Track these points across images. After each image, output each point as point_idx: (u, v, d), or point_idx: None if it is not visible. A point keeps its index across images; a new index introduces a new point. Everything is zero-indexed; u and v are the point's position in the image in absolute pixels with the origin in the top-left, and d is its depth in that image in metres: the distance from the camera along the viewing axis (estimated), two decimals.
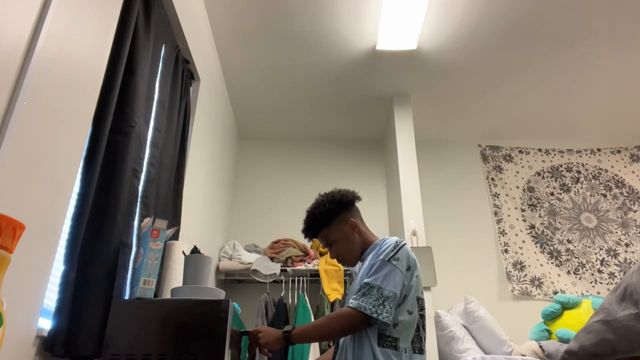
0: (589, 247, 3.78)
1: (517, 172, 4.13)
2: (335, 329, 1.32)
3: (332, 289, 2.99)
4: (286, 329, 1.35)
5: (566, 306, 2.93)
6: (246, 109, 3.84)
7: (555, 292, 3.54)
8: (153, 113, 1.97)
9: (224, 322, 1.31)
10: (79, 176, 1.42)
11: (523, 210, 3.95)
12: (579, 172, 4.13)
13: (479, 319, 2.88)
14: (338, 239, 1.51)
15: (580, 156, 4.20)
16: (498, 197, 4.02)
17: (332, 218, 1.52)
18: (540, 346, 2.60)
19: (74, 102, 1.38)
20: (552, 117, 3.97)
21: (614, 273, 3.66)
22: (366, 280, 1.34)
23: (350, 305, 1.31)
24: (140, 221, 1.71)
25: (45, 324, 1.29)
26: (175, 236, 1.98)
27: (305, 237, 1.58)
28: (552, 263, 3.72)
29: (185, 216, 2.26)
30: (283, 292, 3.23)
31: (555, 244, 3.79)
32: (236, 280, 3.48)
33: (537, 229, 3.86)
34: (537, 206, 3.97)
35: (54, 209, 1.29)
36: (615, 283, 3.43)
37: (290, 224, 3.69)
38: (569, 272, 3.68)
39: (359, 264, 1.55)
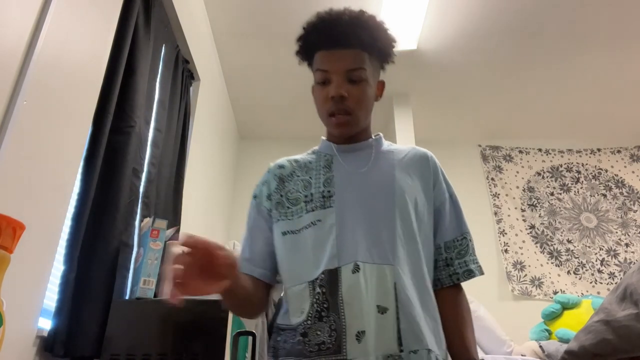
0: (589, 247, 3.78)
1: (517, 172, 4.13)
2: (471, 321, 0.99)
3: None
4: None
5: (566, 306, 2.93)
6: (246, 109, 3.84)
7: (555, 292, 3.54)
8: (153, 113, 1.97)
9: (224, 322, 1.31)
10: (79, 176, 1.42)
11: (523, 210, 3.95)
12: (579, 172, 4.13)
13: (479, 319, 2.88)
14: (369, 83, 0.98)
15: (580, 156, 4.20)
16: (498, 197, 4.02)
17: (388, 51, 1.03)
18: (540, 346, 2.60)
19: (74, 102, 1.38)
20: (552, 117, 3.97)
21: (614, 273, 3.66)
22: (466, 228, 1.04)
23: (476, 271, 0.99)
24: (141, 221, 1.71)
25: (45, 324, 1.29)
26: (175, 236, 1.98)
27: (335, 39, 0.97)
28: (552, 263, 3.72)
29: (185, 216, 2.26)
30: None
31: (555, 244, 3.79)
32: None
33: (537, 229, 3.86)
34: (537, 206, 3.97)
35: (54, 209, 1.29)
36: (615, 283, 3.43)
37: None
38: (569, 272, 3.68)
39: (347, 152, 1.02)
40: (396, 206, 0.92)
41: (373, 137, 1.06)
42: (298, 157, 1.07)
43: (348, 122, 0.97)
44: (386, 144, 1.07)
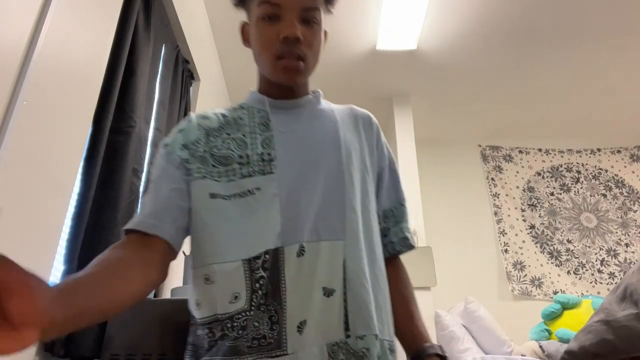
0: (589, 247, 3.78)
1: (517, 172, 4.13)
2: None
3: None
4: (431, 352, 0.78)
5: (566, 306, 2.93)
6: None
7: (555, 292, 3.54)
8: (153, 113, 1.97)
9: None
10: (79, 176, 1.42)
11: (523, 210, 3.95)
12: (579, 172, 4.13)
13: (479, 319, 2.88)
14: (321, 27, 0.87)
15: (580, 156, 4.20)
16: (498, 197, 4.02)
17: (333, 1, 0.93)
18: (540, 346, 2.60)
19: (74, 102, 1.38)
20: (552, 117, 3.97)
21: (614, 273, 3.66)
22: (403, 196, 0.94)
23: (411, 240, 0.91)
24: None
25: None
26: None
27: None
28: (552, 263, 3.72)
29: None
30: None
31: (555, 244, 3.79)
32: None
33: (537, 229, 3.86)
34: (537, 206, 3.97)
35: (54, 209, 1.29)
36: (615, 283, 3.43)
37: None
38: (569, 272, 3.68)
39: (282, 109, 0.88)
40: (345, 171, 0.81)
41: (312, 94, 0.93)
42: (224, 110, 0.90)
43: (299, 69, 0.82)
44: (324, 102, 0.95)
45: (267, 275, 0.71)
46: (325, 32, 0.91)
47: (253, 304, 0.70)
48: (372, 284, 0.76)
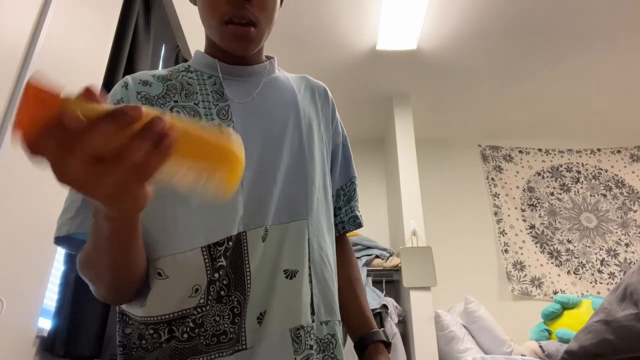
0: (589, 247, 3.78)
1: (517, 172, 4.13)
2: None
3: None
4: (376, 338, 0.77)
5: (566, 306, 2.93)
6: None
7: (555, 292, 3.54)
8: None
9: None
10: None
11: (523, 210, 3.95)
12: (579, 172, 4.13)
13: (479, 319, 2.88)
14: None
15: (580, 156, 4.20)
16: (498, 197, 4.02)
17: None
18: (540, 346, 2.60)
19: None
20: (552, 117, 3.97)
21: (614, 273, 3.66)
22: (354, 173, 0.89)
23: (360, 218, 0.87)
24: None
25: (45, 324, 1.29)
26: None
27: None
28: (552, 263, 3.72)
29: None
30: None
31: (555, 244, 3.79)
32: None
33: (537, 229, 3.86)
34: (537, 206, 3.97)
35: (54, 209, 1.29)
36: (615, 283, 3.43)
37: None
38: (569, 272, 3.68)
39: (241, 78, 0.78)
40: (306, 147, 0.74)
41: (266, 60, 0.84)
42: (165, 72, 0.77)
43: (249, 36, 0.72)
44: (278, 69, 0.86)
45: (227, 263, 0.62)
46: None
47: (210, 296, 0.61)
48: (332, 266, 0.72)
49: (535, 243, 3.80)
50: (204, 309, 0.61)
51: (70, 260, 1.34)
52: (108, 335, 1.32)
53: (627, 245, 3.76)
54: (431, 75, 3.43)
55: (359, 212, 0.88)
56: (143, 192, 0.37)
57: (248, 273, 0.63)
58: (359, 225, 0.88)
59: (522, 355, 2.62)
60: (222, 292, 0.61)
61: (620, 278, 3.55)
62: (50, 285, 1.29)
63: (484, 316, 2.89)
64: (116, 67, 1.60)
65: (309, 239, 0.68)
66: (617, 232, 3.82)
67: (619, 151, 4.21)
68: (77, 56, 1.40)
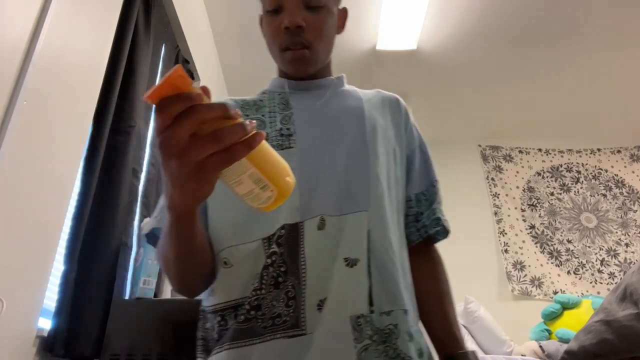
0: (589, 247, 3.78)
1: (517, 172, 4.13)
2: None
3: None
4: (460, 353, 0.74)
5: (566, 306, 2.93)
6: None
7: (555, 292, 3.54)
8: (153, 113, 1.97)
9: None
10: (79, 176, 1.42)
11: (523, 210, 3.95)
12: (579, 172, 4.13)
13: (479, 319, 2.88)
14: (330, 10, 0.84)
15: (580, 156, 4.20)
16: (498, 197, 4.02)
17: None
18: (540, 346, 2.60)
19: (74, 102, 1.38)
20: (552, 117, 3.97)
21: (614, 273, 3.66)
22: (435, 177, 0.88)
23: (445, 224, 0.83)
24: (140, 221, 1.71)
25: (45, 324, 1.29)
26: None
27: None
28: (552, 263, 3.72)
29: None
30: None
31: (555, 244, 3.79)
32: None
33: (537, 229, 3.86)
34: (537, 206, 3.97)
35: (54, 209, 1.29)
36: (615, 283, 3.43)
37: None
38: (569, 272, 3.68)
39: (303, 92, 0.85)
40: (369, 144, 0.76)
41: (335, 76, 0.90)
42: (245, 97, 0.87)
43: (305, 57, 0.80)
44: (348, 85, 0.92)
45: (282, 251, 0.66)
46: (342, 11, 0.89)
47: (265, 281, 0.65)
48: (400, 259, 0.71)
49: (535, 243, 3.80)
50: (259, 292, 0.65)
51: (70, 260, 1.34)
52: (108, 335, 1.32)
53: (627, 245, 3.76)
54: (431, 75, 3.43)
55: (442, 215, 0.83)
56: (208, 185, 0.45)
57: (303, 260, 0.66)
58: (444, 230, 0.82)
59: (522, 355, 2.62)
60: (280, 279, 0.65)
61: (620, 278, 3.55)
62: (50, 285, 1.29)
63: (484, 316, 2.89)
64: (116, 67, 1.60)
65: (369, 230, 0.69)
66: (617, 232, 3.82)
67: (619, 151, 4.21)
68: (77, 56, 1.40)
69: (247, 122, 0.41)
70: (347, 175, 0.72)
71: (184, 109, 0.39)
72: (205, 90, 0.42)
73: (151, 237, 0.76)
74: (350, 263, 0.66)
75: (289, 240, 0.67)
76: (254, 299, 0.65)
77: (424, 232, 0.82)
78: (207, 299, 0.72)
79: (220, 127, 0.40)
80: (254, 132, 0.41)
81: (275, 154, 0.46)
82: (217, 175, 0.44)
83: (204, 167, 0.41)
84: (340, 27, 0.90)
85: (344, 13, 0.90)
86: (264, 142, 0.43)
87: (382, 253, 0.69)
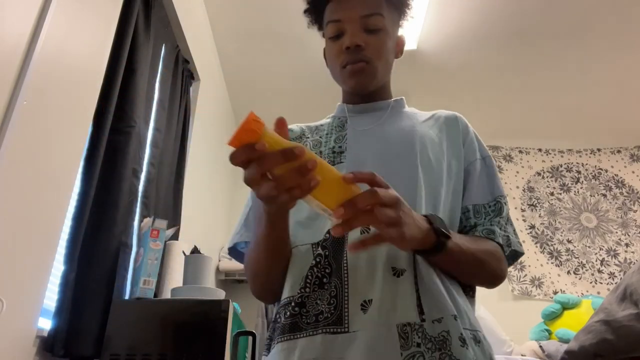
0: (589, 247, 3.78)
1: (517, 172, 4.13)
2: (487, 272, 0.79)
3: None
4: (438, 227, 0.67)
5: (566, 306, 2.93)
6: (246, 109, 3.83)
7: (555, 292, 3.54)
8: (153, 113, 1.97)
9: (224, 322, 1.31)
10: (79, 176, 1.42)
11: (523, 210, 3.95)
12: (579, 172, 4.13)
13: (479, 319, 2.88)
14: (388, 33, 0.88)
15: (580, 156, 4.20)
16: None
17: (404, 4, 0.96)
18: (540, 346, 2.60)
19: (74, 102, 1.38)
20: (552, 117, 3.96)
21: (614, 273, 3.66)
22: (500, 192, 0.84)
23: (513, 246, 0.81)
24: (140, 221, 1.71)
25: (45, 324, 1.29)
26: (175, 236, 1.98)
27: None
28: (552, 263, 3.72)
29: (185, 216, 2.26)
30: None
31: (555, 244, 3.79)
32: (236, 280, 3.47)
33: (537, 229, 3.86)
34: (537, 206, 3.97)
35: (54, 209, 1.29)
36: (615, 283, 3.42)
37: None
38: (569, 272, 3.68)
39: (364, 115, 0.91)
40: (418, 161, 0.78)
41: (393, 99, 0.95)
42: (311, 123, 0.96)
43: (364, 70, 0.85)
44: (408, 107, 0.96)
45: (327, 253, 0.72)
46: (400, 39, 0.95)
47: (309, 280, 0.71)
48: (443, 272, 0.72)
49: (535, 243, 3.80)
50: (304, 290, 0.71)
51: (70, 260, 1.34)
52: (108, 335, 1.32)
53: (627, 245, 3.76)
54: (431, 75, 3.43)
55: (500, 228, 0.79)
56: (287, 202, 0.55)
57: (345, 262, 0.70)
58: (497, 240, 0.78)
59: (522, 355, 2.62)
60: (325, 279, 0.71)
61: (620, 278, 3.55)
62: (50, 285, 1.29)
63: (484, 316, 2.89)
64: (116, 67, 1.60)
65: None
66: (617, 232, 3.82)
67: (619, 151, 4.21)
68: (77, 56, 1.40)
69: (307, 164, 0.50)
70: (394, 186, 0.71)
71: (256, 156, 0.51)
72: (280, 123, 0.58)
73: (234, 252, 0.89)
74: (397, 273, 0.69)
75: (334, 243, 0.72)
76: (298, 296, 0.70)
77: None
78: (277, 309, 0.79)
79: (287, 169, 0.51)
80: (312, 173, 0.51)
81: (336, 186, 0.55)
82: (287, 208, 0.58)
83: (274, 202, 0.55)
84: (399, 52, 0.95)
85: (402, 41, 0.96)
86: (325, 176, 0.53)
87: (426, 266, 0.70)
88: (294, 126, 0.93)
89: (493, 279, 0.81)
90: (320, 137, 0.88)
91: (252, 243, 0.79)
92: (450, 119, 0.92)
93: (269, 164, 0.51)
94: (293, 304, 0.70)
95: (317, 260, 0.72)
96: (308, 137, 0.89)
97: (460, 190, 0.83)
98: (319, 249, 0.73)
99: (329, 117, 0.95)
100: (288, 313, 0.70)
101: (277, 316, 0.74)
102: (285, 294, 0.74)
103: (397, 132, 0.85)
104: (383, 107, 0.91)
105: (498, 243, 0.78)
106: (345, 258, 0.71)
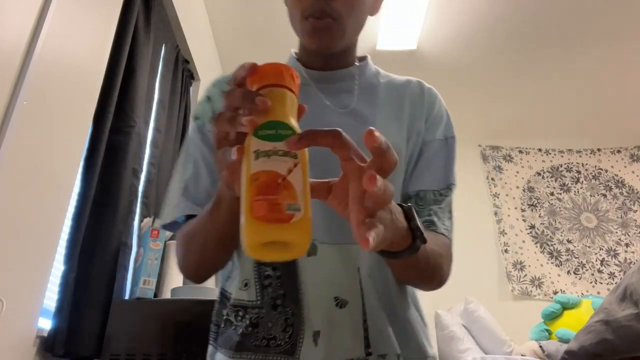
0: (589, 247, 3.78)
1: (517, 172, 4.13)
2: (439, 279, 0.66)
3: None
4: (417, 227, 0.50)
5: (566, 306, 2.93)
6: None
7: (555, 292, 3.54)
8: (153, 113, 1.97)
9: None
10: (79, 176, 1.42)
11: (523, 210, 3.95)
12: (579, 172, 4.13)
13: (479, 319, 2.88)
14: None
15: (580, 156, 4.20)
16: (498, 197, 4.02)
17: None
18: (540, 346, 2.60)
19: (74, 102, 1.38)
20: (552, 117, 3.96)
21: (614, 273, 3.66)
22: (454, 180, 0.74)
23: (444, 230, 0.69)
24: (140, 221, 1.71)
25: (45, 324, 1.29)
26: (175, 236, 1.98)
27: None
28: (552, 263, 3.72)
29: None
30: None
31: (555, 244, 3.79)
32: None
33: (537, 229, 3.86)
34: (537, 206, 3.97)
35: (54, 209, 1.29)
36: (615, 283, 3.42)
37: None
38: (569, 272, 3.68)
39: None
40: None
41: (357, 63, 0.78)
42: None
43: (331, 28, 0.67)
44: (373, 71, 0.81)
45: (281, 274, 0.64)
46: None
47: (265, 301, 0.64)
48: (395, 295, 0.67)
49: (535, 243, 3.80)
50: (259, 311, 0.64)
51: (70, 260, 1.34)
52: (108, 335, 1.32)
53: (627, 245, 3.76)
54: (431, 75, 3.42)
55: (439, 220, 0.68)
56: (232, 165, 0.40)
57: (301, 287, 0.63)
58: (449, 237, 0.68)
59: (522, 355, 2.62)
60: (278, 301, 0.63)
61: (620, 278, 3.55)
62: (50, 285, 1.29)
63: (484, 316, 2.89)
64: (116, 67, 1.60)
65: (359, 267, 0.64)
66: (617, 232, 3.82)
67: (619, 151, 4.21)
68: (77, 56, 1.40)
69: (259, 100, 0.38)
70: None
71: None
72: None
73: (170, 225, 0.72)
74: (340, 304, 0.63)
75: (283, 264, 0.64)
76: (255, 317, 0.64)
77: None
78: (225, 284, 0.71)
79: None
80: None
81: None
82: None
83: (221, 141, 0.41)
84: (376, 8, 0.78)
85: None
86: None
87: (374, 294, 0.64)
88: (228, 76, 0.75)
89: (439, 285, 0.68)
90: None
91: (189, 226, 0.66)
92: (415, 94, 0.81)
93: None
94: (248, 322, 0.64)
95: (269, 281, 0.64)
96: None
97: (403, 170, 0.71)
98: (268, 267, 0.64)
99: None
100: (240, 330, 0.64)
101: (227, 316, 0.67)
102: (236, 292, 0.66)
103: (354, 128, 0.66)
104: (346, 77, 0.76)
105: (448, 238, 0.69)
106: (299, 282, 0.63)
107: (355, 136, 0.63)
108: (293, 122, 0.40)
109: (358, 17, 0.71)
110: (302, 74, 0.74)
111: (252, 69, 0.40)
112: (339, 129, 0.38)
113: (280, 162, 0.37)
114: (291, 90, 0.41)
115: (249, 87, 0.41)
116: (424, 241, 0.50)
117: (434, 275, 0.64)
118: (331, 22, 0.67)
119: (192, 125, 0.76)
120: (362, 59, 0.81)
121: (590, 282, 3.63)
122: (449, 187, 0.72)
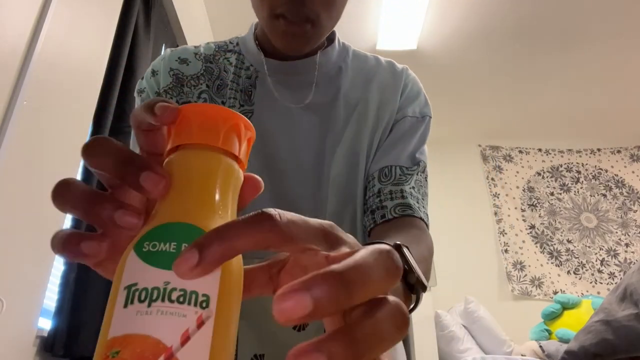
0: (589, 247, 3.78)
1: (517, 172, 4.13)
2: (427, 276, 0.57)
3: None
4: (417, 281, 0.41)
5: (566, 306, 2.93)
6: None
7: (555, 292, 3.54)
8: None
9: None
10: (79, 176, 1.42)
11: (523, 210, 3.95)
12: (579, 172, 4.13)
13: (479, 319, 2.88)
14: None
15: (580, 156, 4.20)
16: (498, 197, 4.02)
17: None
18: (540, 346, 2.60)
19: (74, 102, 1.38)
20: (552, 117, 3.97)
21: (614, 273, 3.66)
22: (425, 159, 0.72)
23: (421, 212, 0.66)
24: None
25: (45, 324, 1.29)
26: None
27: None
28: (552, 263, 3.72)
29: None
30: None
31: (555, 244, 3.79)
32: None
33: (537, 229, 3.86)
34: (537, 206, 3.97)
35: (54, 209, 1.29)
36: (615, 283, 3.42)
37: None
38: (569, 272, 3.68)
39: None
40: (328, 177, 0.62)
41: (320, 50, 0.69)
42: (212, 49, 0.70)
43: (305, 36, 0.58)
44: (339, 56, 0.71)
45: None
46: None
47: None
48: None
49: (535, 243, 3.80)
50: None
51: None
52: None
53: (627, 245, 3.76)
54: (431, 75, 3.42)
55: (413, 199, 0.63)
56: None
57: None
58: (426, 222, 0.61)
59: (522, 355, 2.62)
60: None
61: (620, 278, 3.55)
62: (50, 285, 1.29)
63: (484, 316, 2.89)
64: (116, 67, 1.60)
65: None
66: (617, 232, 3.82)
67: (619, 151, 4.21)
68: (77, 56, 1.40)
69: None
70: (301, 186, 0.60)
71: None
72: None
73: None
74: (298, 326, 0.55)
75: None
76: None
77: (380, 216, 0.60)
78: None
79: None
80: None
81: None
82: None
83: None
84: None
85: None
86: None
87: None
88: (190, 56, 0.69)
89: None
90: (222, 101, 0.64)
91: None
92: (386, 77, 0.72)
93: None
94: None
95: None
96: (209, 87, 0.66)
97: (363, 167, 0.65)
98: None
99: (234, 51, 0.69)
100: None
101: None
102: None
103: (310, 126, 0.64)
104: (308, 68, 0.67)
105: (426, 224, 0.62)
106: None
107: (312, 134, 0.63)
108: (217, 220, 0.22)
109: (337, 14, 0.62)
110: (261, 63, 0.67)
111: (171, 115, 0.24)
112: (268, 211, 0.21)
113: (169, 317, 0.19)
114: (232, 155, 0.24)
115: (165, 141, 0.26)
116: (424, 289, 0.41)
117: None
118: (308, 28, 0.58)
119: (136, 98, 0.69)
120: (330, 40, 0.71)
121: (590, 282, 3.63)
122: (417, 164, 0.68)
